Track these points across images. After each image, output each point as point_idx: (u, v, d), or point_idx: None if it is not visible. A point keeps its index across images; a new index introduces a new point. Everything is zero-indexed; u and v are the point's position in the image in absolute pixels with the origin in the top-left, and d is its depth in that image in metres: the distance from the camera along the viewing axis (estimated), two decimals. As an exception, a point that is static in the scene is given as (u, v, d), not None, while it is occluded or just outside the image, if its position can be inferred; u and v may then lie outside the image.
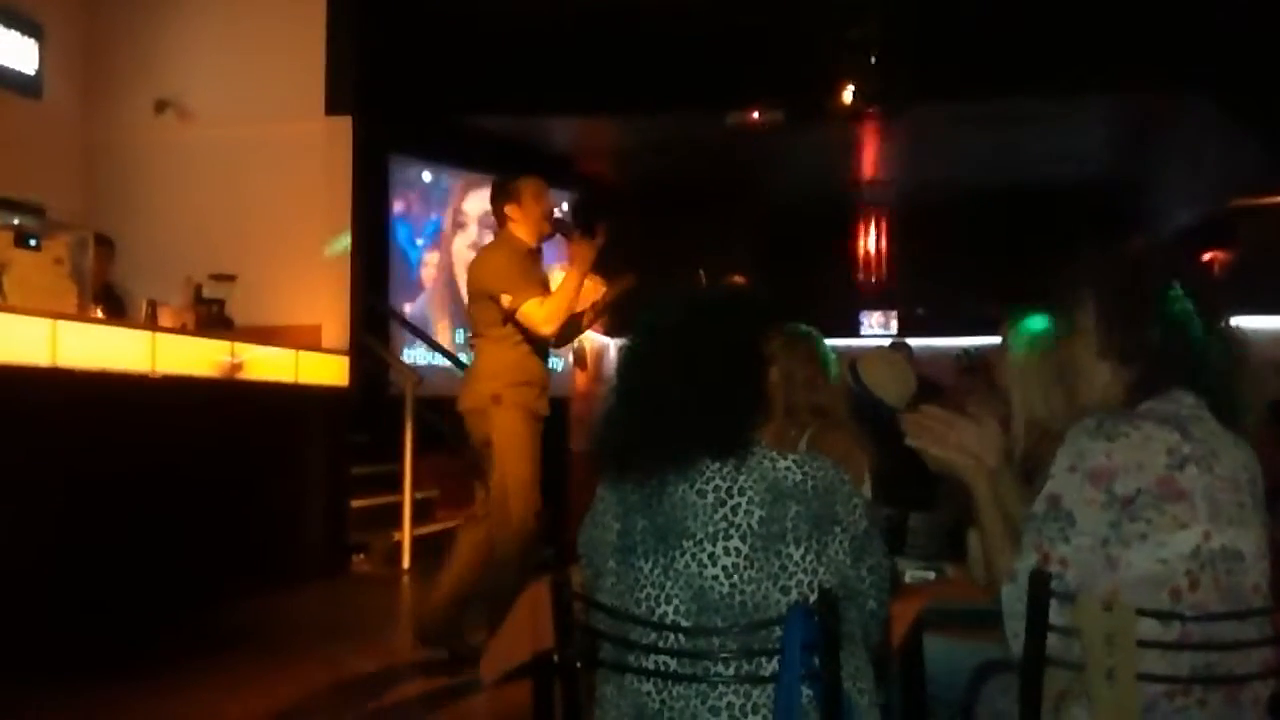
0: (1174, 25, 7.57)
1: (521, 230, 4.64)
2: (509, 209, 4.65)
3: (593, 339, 12.16)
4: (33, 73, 7.21)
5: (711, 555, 1.71)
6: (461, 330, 8.84)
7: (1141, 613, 1.65)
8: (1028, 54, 7.90)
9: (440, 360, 8.81)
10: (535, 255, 4.71)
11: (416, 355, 9.11)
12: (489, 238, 9.33)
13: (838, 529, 1.75)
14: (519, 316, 4.46)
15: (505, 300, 4.45)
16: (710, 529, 1.72)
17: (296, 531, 6.63)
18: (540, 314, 4.46)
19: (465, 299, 5.00)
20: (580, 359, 11.24)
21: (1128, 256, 1.96)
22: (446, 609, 4.60)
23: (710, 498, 1.74)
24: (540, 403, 4.61)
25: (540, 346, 4.61)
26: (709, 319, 1.89)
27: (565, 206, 9.26)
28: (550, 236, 4.77)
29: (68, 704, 3.97)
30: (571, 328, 4.71)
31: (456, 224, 9.16)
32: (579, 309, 4.77)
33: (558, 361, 9.99)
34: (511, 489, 4.46)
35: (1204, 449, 1.74)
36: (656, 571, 1.74)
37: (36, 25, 7.22)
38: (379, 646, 4.78)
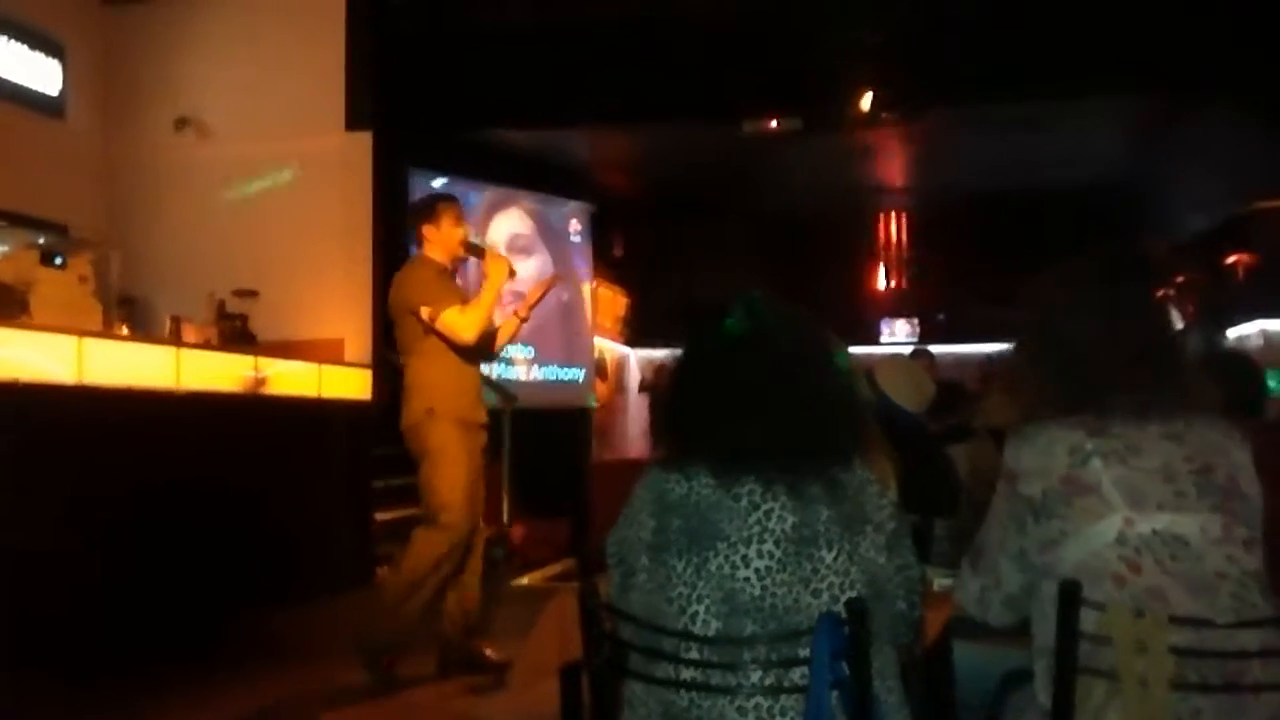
0: (1193, 26, 7.54)
1: (436, 251, 4.78)
2: (426, 229, 4.79)
3: (613, 350, 12.20)
4: (56, 93, 7.28)
5: (744, 558, 1.73)
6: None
7: (1175, 620, 1.65)
8: (1046, 56, 7.88)
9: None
10: (450, 274, 4.86)
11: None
12: (517, 262, 9.37)
13: (868, 528, 1.77)
14: (439, 325, 4.57)
15: (425, 312, 4.57)
16: (744, 533, 1.74)
17: (321, 544, 6.66)
18: (461, 321, 4.57)
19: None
20: (601, 369, 11.26)
21: (1063, 272, 2.06)
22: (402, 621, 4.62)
23: (744, 501, 1.76)
24: (476, 411, 4.74)
25: (471, 355, 4.71)
26: (812, 330, 1.95)
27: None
28: (464, 260, 4.97)
29: (101, 711, 4.02)
30: (490, 337, 4.85)
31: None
32: (522, 314, 4.94)
33: (579, 373, 10.00)
34: (444, 499, 4.53)
35: (1119, 444, 1.84)
36: (689, 571, 1.75)
37: (59, 46, 7.29)
38: (404, 656, 4.79)
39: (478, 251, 4.91)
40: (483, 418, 4.79)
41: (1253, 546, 1.80)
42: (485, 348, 4.86)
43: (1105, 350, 1.92)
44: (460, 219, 4.85)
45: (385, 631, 4.60)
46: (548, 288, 5.07)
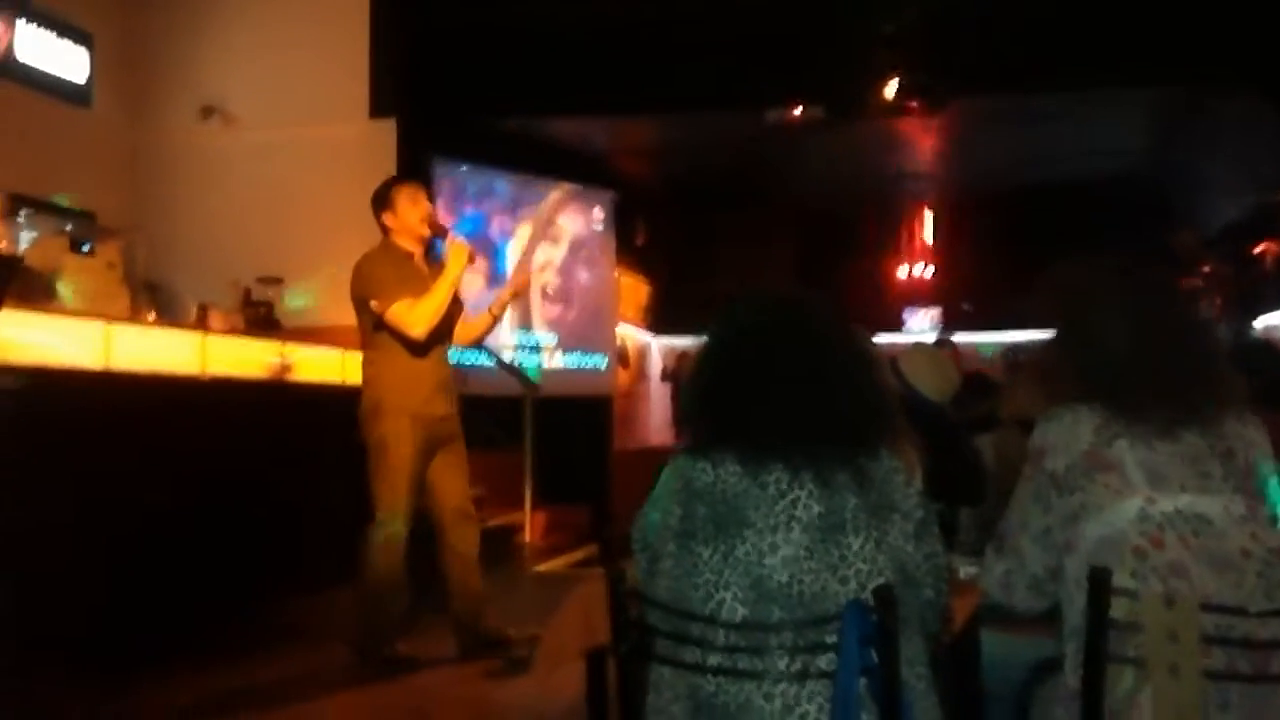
0: (1215, 15, 7.47)
1: (401, 238, 4.69)
2: (386, 218, 4.69)
3: (635, 338, 12.19)
4: (83, 81, 7.32)
5: (772, 545, 1.73)
6: (521, 331, 8.93)
7: (1205, 608, 1.65)
8: (1070, 47, 7.82)
9: (486, 360, 8.86)
10: (414, 261, 4.73)
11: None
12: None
13: (896, 515, 1.78)
14: (387, 319, 4.50)
15: (374, 305, 4.51)
16: (771, 520, 1.74)
17: (344, 529, 6.67)
18: (410, 316, 4.48)
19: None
20: (623, 357, 11.25)
21: (1091, 265, 2.11)
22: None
23: (771, 489, 1.76)
24: (431, 405, 4.63)
25: (423, 349, 4.61)
26: (838, 318, 1.95)
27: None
28: (431, 239, 4.81)
29: (120, 692, 4.09)
30: (447, 328, 4.72)
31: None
32: (495, 312, 4.88)
33: (601, 360, 10.00)
34: (379, 494, 4.57)
35: (1143, 428, 1.88)
36: (715, 558, 1.76)
37: (87, 34, 7.33)
38: (426, 641, 4.82)
39: (441, 231, 4.80)
40: (441, 410, 4.67)
41: (1276, 524, 1.82)
42: (442, 339, 4.74)
43: (1132, 344, 1.94)
44: (417, 197, 4.73)
45: (374, 629, 4.63)
46: (519, 286, 4.94)
